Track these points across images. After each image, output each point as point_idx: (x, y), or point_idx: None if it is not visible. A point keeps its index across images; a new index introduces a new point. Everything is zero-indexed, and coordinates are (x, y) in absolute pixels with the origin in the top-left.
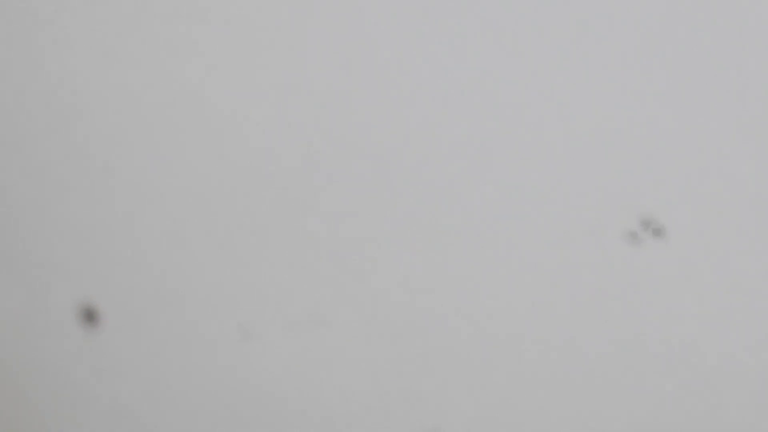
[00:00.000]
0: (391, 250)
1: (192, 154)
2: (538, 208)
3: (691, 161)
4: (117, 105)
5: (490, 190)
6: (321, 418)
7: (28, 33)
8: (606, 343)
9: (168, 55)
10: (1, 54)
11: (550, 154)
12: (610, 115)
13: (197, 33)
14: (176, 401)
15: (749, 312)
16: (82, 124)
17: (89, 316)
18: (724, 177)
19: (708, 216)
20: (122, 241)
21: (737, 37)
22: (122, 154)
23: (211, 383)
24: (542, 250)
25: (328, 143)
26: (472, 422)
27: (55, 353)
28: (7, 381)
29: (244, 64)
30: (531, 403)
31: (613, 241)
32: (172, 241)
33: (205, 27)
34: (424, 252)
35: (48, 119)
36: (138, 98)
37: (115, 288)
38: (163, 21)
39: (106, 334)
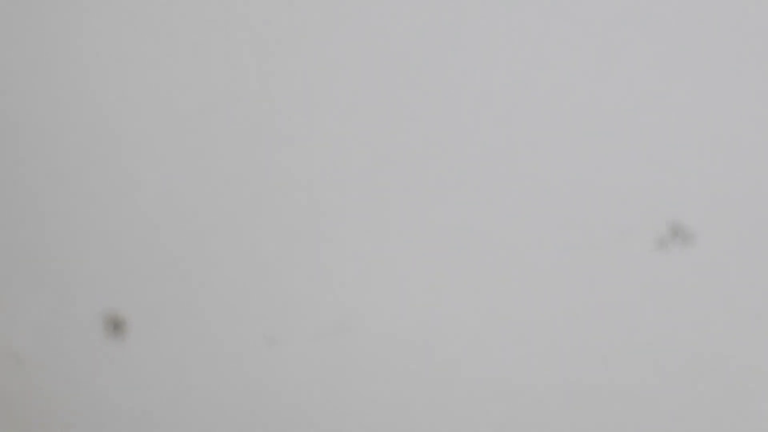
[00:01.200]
0: (416, 258)
1: (218, 167)
2: (570, 214)
3: (720, 170)
4: (146, 119)
5: (520, 197)
6: (346, 425)
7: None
8: (635, 348)
9: (200, 80)
10: (35, 76)
11: (582, 162)
12: (641, 123)
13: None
14: (201, 409)
15: None
16: (111, 137)
17: (116, 325)
18: (753, 185)
19: (736, 223)
20: (148, 252)
21: None
22: (150, 167)
23: (236, 391)
24: (573, 255)
25: (353, 154)
26: (496, 427)
27: (82, 362)
28: (35, 389)
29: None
30: (558, 407)
31: (642, 248)
32: (198, 251)
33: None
34: (449, 258)
35: (77, 133)
36: (164, 113)
37: (141, 297)
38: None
39: (132, 343)
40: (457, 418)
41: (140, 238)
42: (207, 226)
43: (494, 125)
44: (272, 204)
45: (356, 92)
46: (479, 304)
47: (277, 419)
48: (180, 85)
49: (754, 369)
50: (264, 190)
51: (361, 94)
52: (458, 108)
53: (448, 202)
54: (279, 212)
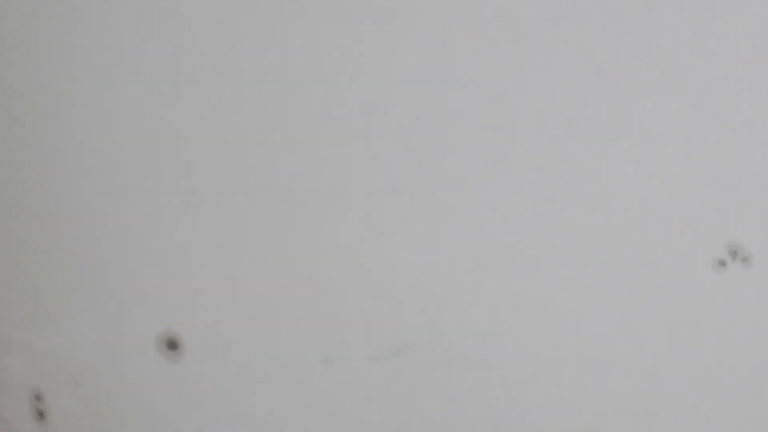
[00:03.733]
0: (474, 278)
1: (275, 188)
2: (630, 235)
3: None
4: (205, 141)
5: (581, 218)
6: None
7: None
8: (694, 368)
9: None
10: (82, 94)
11: (641, 183)
12: (701, 146)
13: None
14: (257, 430)
15: None
16: (168, 159)
17: (172, 345)
18: None
19: None
20: (205, 272)
21: None
22: (207, 188)
23: (293, 412)
24: (633, 277)
25: (409, 176)
26: None
27: (138, 382)
28: (91, 409)
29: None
30: (616, 426)
31: (702, 269)
32: (254, 272)
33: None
34: (508, 277)
35: (136, 155)
36: (224, 135)
37: (197, 318)
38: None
39: (188, 363)
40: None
41: (197, 258)
42: (264, 247)
43: (556, 146)
44: (329, 224)
45: (419, 121)
46: (539, 323)
47: None
48: (236, 113)
49: None
50: (320, 210)
51: (421, 125)
52: (518, 127)
53: (508, 222)
54: (336, 232)
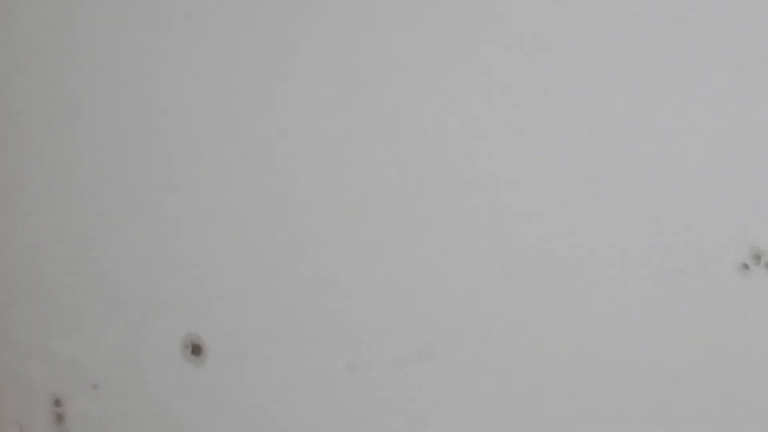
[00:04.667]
0: (497, 285)
1: (300, 196)
2: (653, 240)
3: None
4: (226, 151)
5: (605, 224)
6: None
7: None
8: (718, 373)
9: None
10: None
11: (667, 191)
12: (724, 151)
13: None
14: None
15: None
16: (193, 168)
17: (195, 350)
18: None
19: None
20: (228, 278)
21: None
22: (230, 194)
23: (316, 418)
24: (657, 281)
25: (433, 185)
26: None
27: (160, 387)
28: (112, 415)
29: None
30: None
31: (725, 273)
32: (278, 278)
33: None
34: (531, 286)
35: (158, 164)
36: (244, 143)
37: (220, 323)
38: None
39: (211, 368)
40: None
41: (220, 264)
42: (288, 253)
43: (582, 153)
44: (352, 232)
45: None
46: (562, 330)
47: None
48: (255, 125)
49: None
50: (344, 218)
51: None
52: (545, 134)
53: (533, 229)
54: (359, 240)
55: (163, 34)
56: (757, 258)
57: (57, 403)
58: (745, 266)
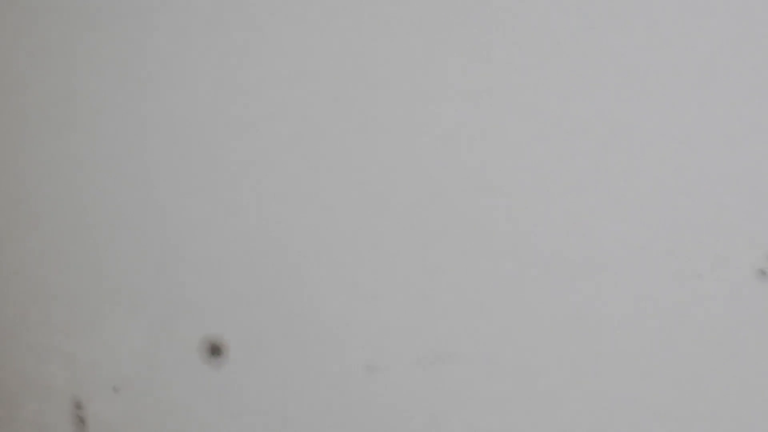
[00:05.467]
0: (516, 287)
1: (322, 199)
2: (670, 243)
3: None
4: (250, 152)
5: (621, 226)
6: None
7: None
8: (734, 377)
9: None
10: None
11: (684, 195)
12: (741, 154)
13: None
14: None
15: None
16: (214, 167)
17: (215, 351)
18: None
19: None
20: (249, 279)
21: None
22: (248, 198)
23: (336, 418)
24: (674, 285)
25: (455, 186)
26: None
27: (180, 388)
28: (132, 416)
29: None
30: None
31: (742, 277)
32: (298, 279)
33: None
34: (550, 288)
35: (181, 165)
36: (271, 146)
37: (240, 324)
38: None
39: (231, 369)
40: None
41: (239, 267)
42: (308, 255)
43: (597, 155)
44: (370, 235)
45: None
46: (580, 333)
47: None
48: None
49: None
50: (363, 221)
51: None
52: (559, 138)
53: (550, 232)
54: (377, 243)
55: (176, 39)
56: None
57: (78, 406)
58: (762, 271)
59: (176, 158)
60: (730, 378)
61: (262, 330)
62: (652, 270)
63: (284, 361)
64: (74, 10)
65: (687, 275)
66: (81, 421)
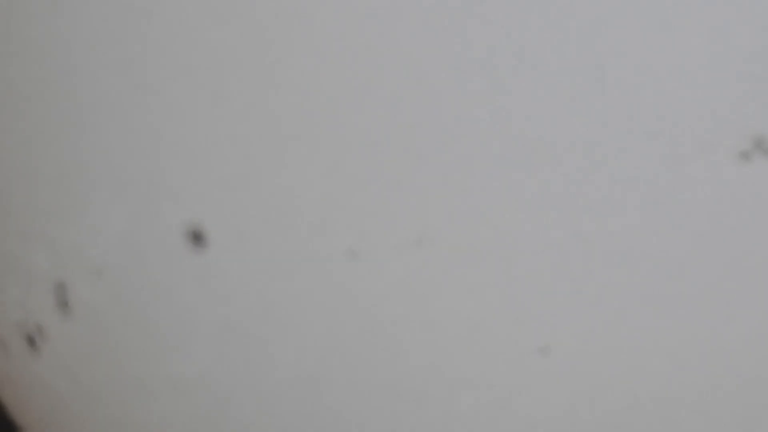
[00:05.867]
0: (498, 171)
1: (304, 75)
2: (650, 127)
3: None
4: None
5: (602, 107)
6: (429, 341)
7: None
8: (714, 265)
9: None
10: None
11: (662, 74)
12: (723, 31)
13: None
14: (282, 321)
15: None
16: (193, 49)
17: (197, 237)
18: None
19: None
20: (230, 163)
21: None
22: (231, 77)
23: (317, 304)
24: (650, 170)
25: (435, 61)
26: (579, 336)
27: (164, 272)
28: (115, 301)
29: None
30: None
31: (724, 161)
32: (281, 163)
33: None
34: (531, 170)
35: (159, 47)
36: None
37: (222, 209)
38: None
39: (213, 255)
40: (543, 331)
41: (222, 148)
42: (290, 138)
43: (581, 33)
44: (353, 115)
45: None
46: (562, 214)
47: (358, 332)
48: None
49: None
50: (346, 102)
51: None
52: (547, 21)
53: (530, 113)
54: (360, 122)
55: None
56: (758, 143)
57: (61, 288)
58: (745, 153)
59: (163, 42)
60: (712, 262)
61: (243, 215)
62: (637, 154)
63: (265, 247)
64: None
65: (672, 159)
66: (64, 304)
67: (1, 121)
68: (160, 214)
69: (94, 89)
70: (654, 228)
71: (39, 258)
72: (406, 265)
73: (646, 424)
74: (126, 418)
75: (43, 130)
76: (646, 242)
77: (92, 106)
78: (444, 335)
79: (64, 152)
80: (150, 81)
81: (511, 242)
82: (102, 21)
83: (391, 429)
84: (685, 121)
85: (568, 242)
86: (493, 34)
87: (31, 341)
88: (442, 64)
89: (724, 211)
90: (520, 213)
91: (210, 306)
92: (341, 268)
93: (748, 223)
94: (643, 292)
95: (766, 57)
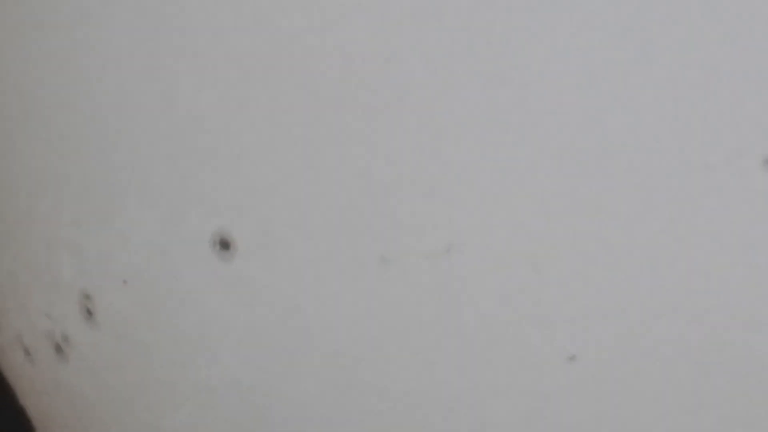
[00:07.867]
0: (529, 179)
1: (324, 81)
2: (681, 135)
3: None
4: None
5: (627, 115)
6: (458, 348)
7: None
8: (743, 273)
9: None
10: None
11: (689, 80)
12: (748, 38)
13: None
14: (311, 328)
15: None
16: (217, 58)
17: (224, 244)
18: None
19: None
20: (259, 170)
21: None
22: (258, 85)
23: (347, 311)
24: (678, 177)
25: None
26: (608, 345)
27: (191, 281)
28: (141, 308)
29: None
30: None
31: (751, 168)
32: (308, 171)
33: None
34: (561, 178)
35: (183, 52)
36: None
37: (251, 217)
38: None
39: (241, 262)
40: (570, 342)
41: (250, 156)
42: (319, 146)
43: (606, 39)
44: (384, 122)
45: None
46: (590, 221)
47: (388, 338)
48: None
49: None
50: (375, 111)
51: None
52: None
53: (559, 119)
54: (392, 130)
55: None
56: None
57: (86, 297)
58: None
59: (190, 47)
60: (742, 270)
61: (272, 222)
62: (663, 160)
63: (294, 254)
64: None
65: (697, 166)
66: (89, 312)
67: (29, 129)
68: (187, 221)
69: (122, 98)
70: (683, 235)
71: (65, 266)
72: (435, 273)
73: None
74: (152, 424)
75: (70, 138)
76: (674, 250)
77: (120, 115)
78: (473, 342)
79: (91, 160)
80: (178, 89)
81: (539, 250)
82: (131, 30)
83: None
84: (712, 128)
85: (597, 250)
86: (524, 44)
87: (58, 349)
88: (471, 73)
89: (754, 218)
90: (549, 221)
91: (237, 313)
92: (372, 276)
93: None
94: (671, 301)
95: None
